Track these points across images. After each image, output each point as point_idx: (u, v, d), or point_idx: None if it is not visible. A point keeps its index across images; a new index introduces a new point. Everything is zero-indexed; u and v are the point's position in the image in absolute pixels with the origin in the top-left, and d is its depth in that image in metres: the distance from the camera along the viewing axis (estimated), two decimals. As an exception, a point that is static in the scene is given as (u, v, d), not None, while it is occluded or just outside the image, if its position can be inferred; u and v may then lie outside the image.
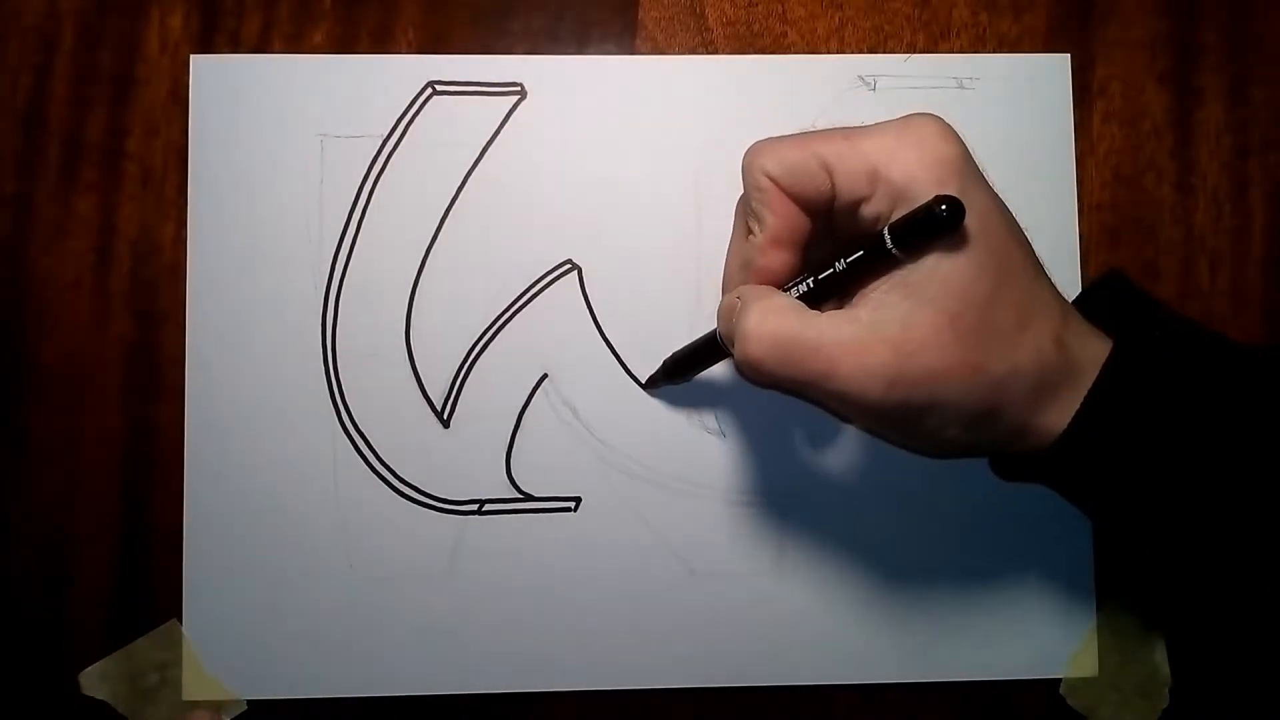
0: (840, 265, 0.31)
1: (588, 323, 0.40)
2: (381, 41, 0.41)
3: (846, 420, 0.32)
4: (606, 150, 0.40)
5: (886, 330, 0.30)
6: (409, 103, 0.40)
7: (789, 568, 0.40)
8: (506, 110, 0.40)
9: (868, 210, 0.31)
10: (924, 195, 0.29)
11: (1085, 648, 0.40)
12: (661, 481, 0.40)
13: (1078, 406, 0.31)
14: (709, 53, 0.41)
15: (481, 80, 0.40)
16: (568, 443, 0.40)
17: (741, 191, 0.34)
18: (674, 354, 0.39)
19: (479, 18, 0.41)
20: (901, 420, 0.31)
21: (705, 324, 0.40)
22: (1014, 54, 0.41)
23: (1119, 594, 0.40)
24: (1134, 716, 0.40)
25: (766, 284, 0.33)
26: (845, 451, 0.40)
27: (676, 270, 0.40)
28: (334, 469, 0.40)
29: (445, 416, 0.40)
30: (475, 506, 0.40)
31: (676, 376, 0.39)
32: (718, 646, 0.40)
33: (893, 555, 0.40)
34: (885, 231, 0.30)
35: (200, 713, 0.39)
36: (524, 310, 0.40)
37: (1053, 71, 0.41)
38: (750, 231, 0.33)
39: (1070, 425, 0.31)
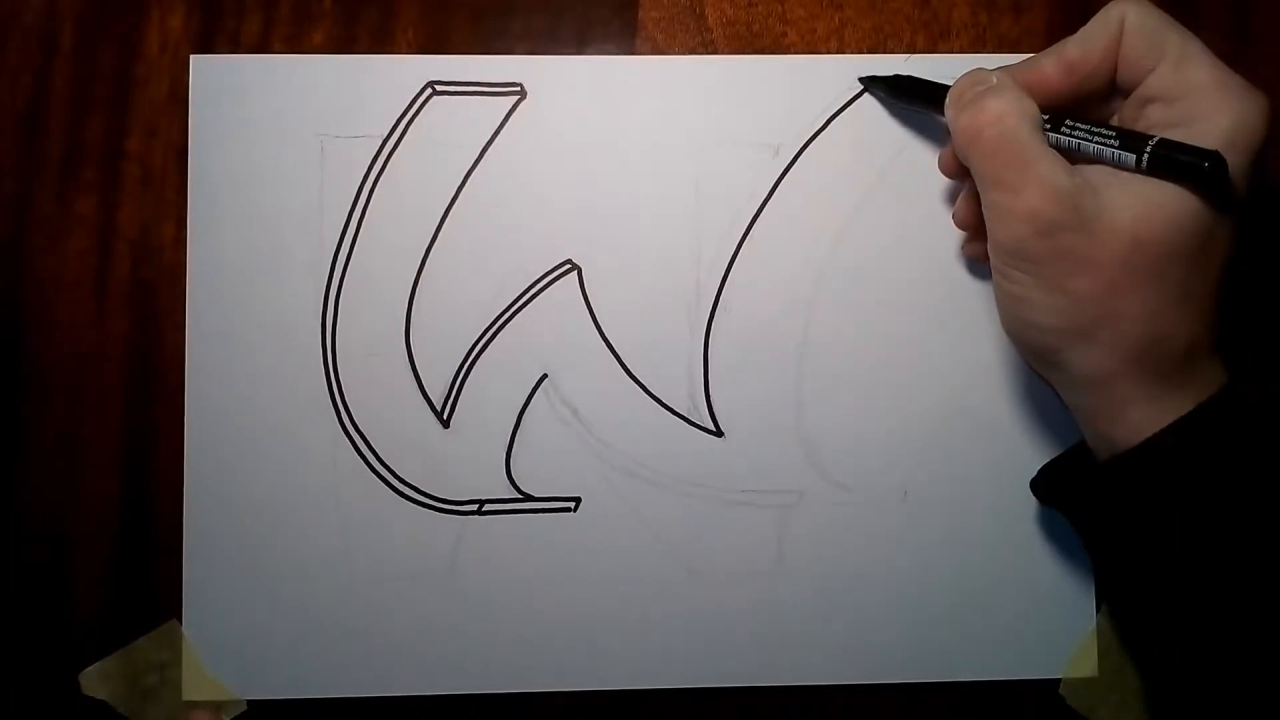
0: (1092, 135, 0.32)
1: (588, 323, 0.40)
2: (381, 41, 0.41)
3: (992, 239, 0.33)
4: (606, 150, 0.40)
5: (1085, 201, 0.31)
6: (409, 103, 0.40)
7: (789, 568, 0.40)
8: (506, 110, 0.40)
9: (1153, 113, 0.32)
10: (1208, 136, 0.30)
11: (1085, 648, 0.40)
12: (661, 481, 0.40)
13: (1172, 419, 0.31)
14: (709, 53, 0.41)
15: (481, 80, 0.41)
16: (568, 443, 0.40)
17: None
18: (909, 76, 0.39)
19: (479, 18, 0.41)
20: (1032, 281, 0.32)
21: (704, 324, 0.40)
22: (1014, 54, 0.41)
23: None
24: (1134, 716, 0.40)
25: (1047, 82, 0.34)
26: (845, 452, 0.40)
27: (676, 270, 0.40)
28: (334, 469, 0.40)
29: (445, 416, 0.40)
30: (475, 506, 0.40)
31: (898, 93, 0.39)
32: (718, 646, 0.40)
33: (893, 555, 0.40)
34: (1152, 139, 0.31)
35: (200, 713, 0.39)
36: (524, 310, 0.40)
37: (1053, 71, 0.41)
38: (1064, 43, 0.34)
39: (1164, 431, 0.31)
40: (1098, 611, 0.40)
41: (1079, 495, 0.34)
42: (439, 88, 0.40)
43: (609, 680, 0.40)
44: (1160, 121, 0.32)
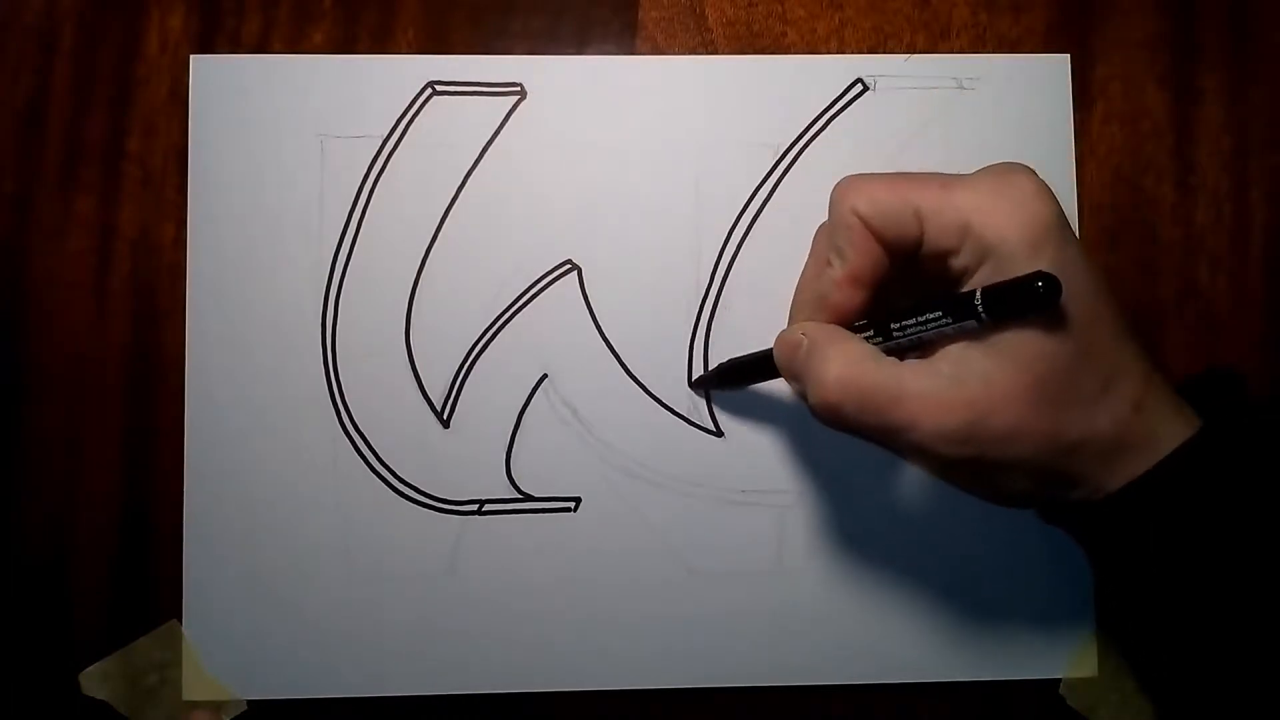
0: (923, 324, 0.31)
1: (588, 323, 0.40)
2: (381, 41, 0.41)
3: (920, 467, 0.33)
4: (606, 150, 0.40)
5: (968, 388, 0.30)
6: (409, 103, 0.40)
7: (789, 568, 0.40)
8: (506, 110, 0.40)
9: (955, 263, 0.31)
10: (1015, 257, 0.29)
11: (1085, 648, 0.40)
12: (661, 481, 0.40)
13: (1142, 471, 0.30)
14: (709, 53, 0.41)
15: (481, 80, 0.41)
16: (568, 443, 0.40)
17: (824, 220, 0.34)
18: (731, 361, 0.39)
19: (479, 18, 0.41)
20: (973, 474, 0.31)
21: (704, 325, 0.40)
22: (1014, 54, 0.41)
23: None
24: (1134, 716, 0.40)
25: (837, 320, 0.33)
26: (846, 452, 0.40)
27: (676, 270, 0.40)
28: (334, 469, 0.40)
29: (445, 416, 0.40)
30: (475, 506, 0.40)
31: (728, 384, 0.39)
32: (718, 646, 0.40)
33: (892, 555, 0.40)
34: (977, 297, 0.29)
35: (200, 714, 0.39)
36: (524, 310, 0.40)
37: (1053, 72, 0.41)
38: (829, 264, 0.33)
39: (1124, 489, 0.30)
40: (1097, 611, 0.40)
41: (1078, 519, 0.34)
42: (439, 88, 0.40)
43: (609, 680, 0.40)
44: (966, 268, 0.31)
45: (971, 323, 0.30)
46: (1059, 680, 0.40)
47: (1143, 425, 0.30)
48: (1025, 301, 0.29)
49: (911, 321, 0.31)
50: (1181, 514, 0.30)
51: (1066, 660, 0.40)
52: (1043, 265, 0.29)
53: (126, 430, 0.40)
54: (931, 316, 0.31)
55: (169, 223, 0.40)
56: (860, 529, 0.40)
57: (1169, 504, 0.30)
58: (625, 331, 0.40)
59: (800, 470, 0.40)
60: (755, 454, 0.40)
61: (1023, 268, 0.29)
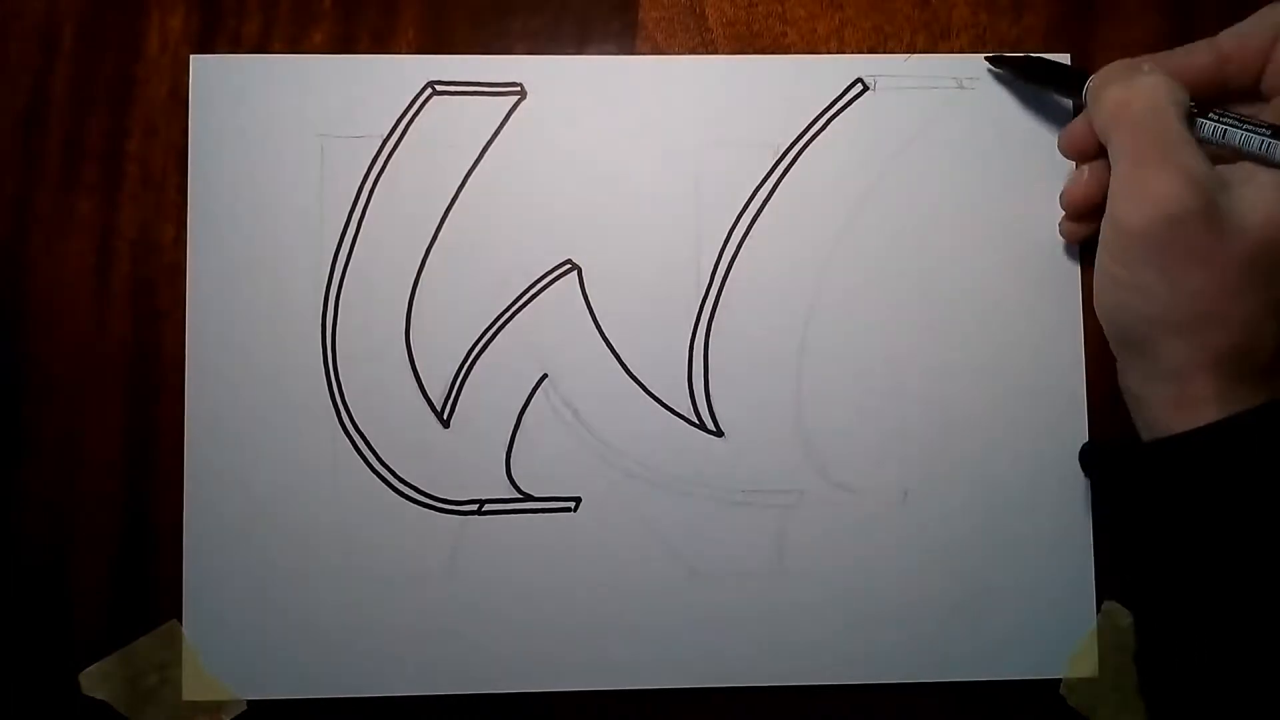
0: (1260, 140, 0.32)
1: (588, 323, 0.40)
2: (381, 41, 0.41)
3: (1111, 224, 0.33)
4: (606, 150, 0.40)
5: (1217, 196, 0.30)
6: (409, 103, 0.40)
7: (789, 568, 0.40)
8: (506, 110, 0.40)
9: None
10: None
11: (1085, 648, 0.40)
12: (661, 481, 0.40)
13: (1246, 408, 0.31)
14: (709, 53, 0.41)
15: (481, 80, 0.41)
16: (568, 443, 0.40)
17: None
18: (1038, 56, 0.39)
19: (479, 18, 0.41)
20: (1147, 276, 0.32)
21: (704, 325, 0.40)
22: (1013, 54, 0.41)
23: (1119, 594, 0.40)
24: (1134, 716, 0.40)
25: (1195, 69, 0.34)
26: (845, 452, 0.40)
27: (676, 270, 0.40)
28: (334, 469, 0.40)
29: (445, 416, 0.40)
30: (475, 506, 0.40)
31: (1024, 74, 0.39)
32: (718, 646, 0.40)
33: (893, 555, 0.40)
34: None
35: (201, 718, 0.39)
36: (524, 310, 0.40)
37: (1053, 71, 0.41)
38: (1212, 41, 0.34)
39: (1216, 424, 0.31)
40: (1098, 611, 0.40)
41: (1122, 471, 0.34)
42: (439, 88, 0.40)
43: (609, 680, 0.40)
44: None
45: (1274, 152, 0.31)
46: (1059, 680, 0.40)
47: (1275, 372, 0.31)
48: None
49: (1235, 116, 0.33)
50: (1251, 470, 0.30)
51: (1066, 660, 0.40)
52: None
53: (126, 430, 0.40)
54: (1256, 122, 0.32)
55: (169, 223, 0.40)
56: (860, 529, 0.40)
57: (1245, 456, 0.30)
58: (625, 331, 0.40)
59: (800, 470, 0.40)
60: (755, 454, 0.40)
61: None
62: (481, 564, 0.40)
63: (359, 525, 0.39)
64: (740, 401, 0.40)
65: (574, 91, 0.41)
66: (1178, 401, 0.32)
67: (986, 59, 0.40)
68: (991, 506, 0.40)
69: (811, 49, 0.41)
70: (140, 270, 0.40)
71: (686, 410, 0.40)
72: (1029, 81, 0.40)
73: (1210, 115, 0.33)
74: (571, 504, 0.40)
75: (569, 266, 0.40)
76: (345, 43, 0.41)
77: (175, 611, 0.39)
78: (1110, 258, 0.33)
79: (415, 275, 0.40)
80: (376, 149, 0.40)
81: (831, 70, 0.41)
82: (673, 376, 0.40)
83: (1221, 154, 0.33)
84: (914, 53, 0.41)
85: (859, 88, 0.41)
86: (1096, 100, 0.34)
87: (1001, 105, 0.41)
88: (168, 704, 0.39)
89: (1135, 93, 0.32)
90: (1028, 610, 0.40)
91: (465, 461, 0.40)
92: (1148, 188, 0.31)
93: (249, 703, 0.39)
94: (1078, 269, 0.40)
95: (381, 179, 0.40)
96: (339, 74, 0.40)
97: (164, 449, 0.40)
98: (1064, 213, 0.39)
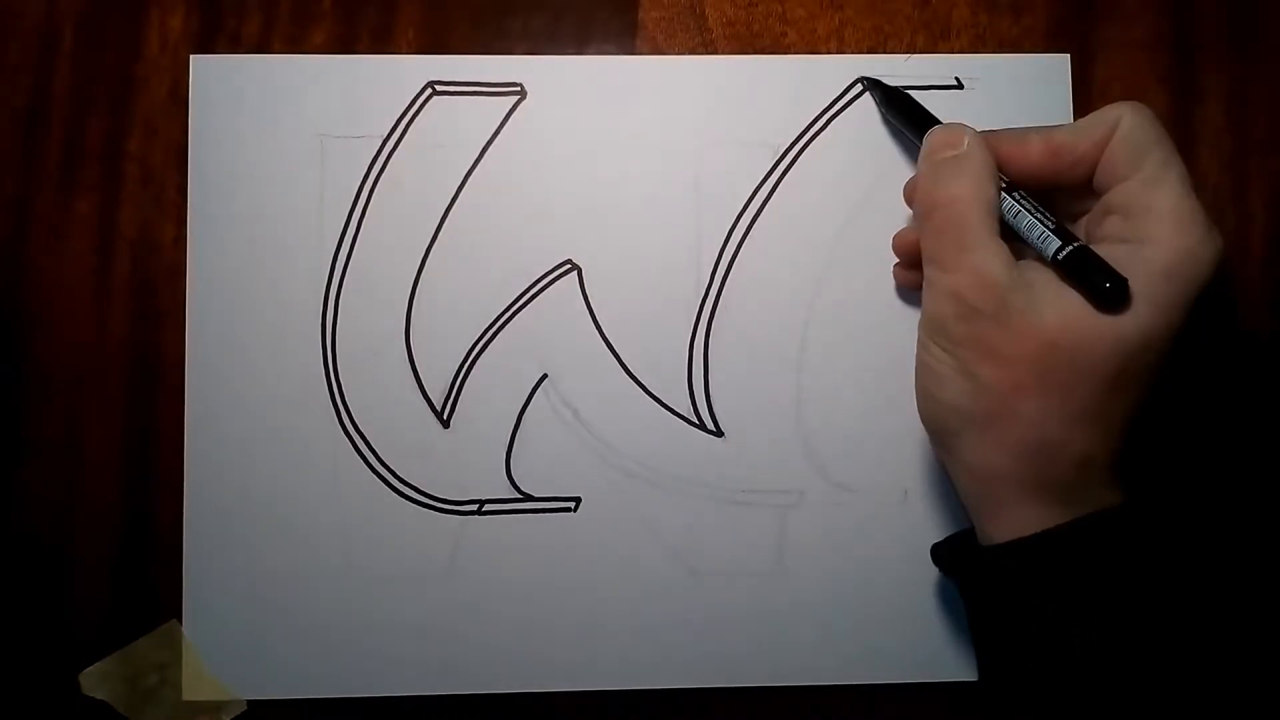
0: (1040, 232, 0.33)
1: (588, 323, 0.40)
2: (381, 41, 0.41)
3: (927, 301, 0.34)
4: (606, 150, 0.40)
5: (1012, 297, 0.31)
6: (409, 103, 0.40)
7: (789, 568, 0.40)
8: (506, 110, 0.40)
9: (1111, 222, 0.33)
10: (1151, 239, 0.31)
11: (1085, 648, 0.40)
12: (661, 481, 0.40)
13: (1053, 524, 0.31)
14: (709, 53, 0.41)
15: (481, 80, 0.41)
16: (568, 443, 0.40)
17: None
18: (909, 96, 0.39)
19: (479, 18, 0.41)
20: (953, 360, 0.32)
21: (704, 325, 0.40)
22: (1014, 54, 0.41)
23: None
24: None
25: (1000, 158, 0.34)
26: (845, 452, 0.40)
27: (676, 270, 0.40)
28: (334, 469, 0.40)
29: (445, 416, 0.40)
30: (475, 506, 0.40)
31: (889, 104, 0.39)
32: (718, 646, 0.40)
33: (893, 555, 0.40)
34: (1069, 248, 0.31)
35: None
36: (524, 310, 0.40)
37: (1053, 71, 0.41)
38: (1044, 131, 0.34)
39: (1027, 539, 0.31)
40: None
41: (965, 573, 0.34)
42: (439, 88, 0.40)
43: (609, 680, 0.40)
44: (1112, 234, 0.32)
45: (1053, 246, 0.32)
46: (1059, 680, 0.40)
47: (1079, 477, 0.31)
48: (1091, 281, 0.30)
49: (1032, 202, 0.33)
50: (1079, 578, 0.31)
51: (1066, 660, 0.40)
52: (1157, 289, 0.30)
53: (126, 430, 0.40)
54: (1045, 215, 0.33)
55: (169, 223, 0.40)
56: (860, 529, 0.40)
57: (1068, 564, 0.31)
58: (625, 331, 0.40)
59: (800, 470, 0.40)
60: (755, 454, 0.40)
61: (1149, 271, 0.30)
62: (481, 564, 0.40)
63: (359, 525, 0.39)
64: (740, 401, 0.40)
65: (574, 91, 0.41)
66: (986, 503, 0.32)
67: (861, 79, 0.40)
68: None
69: (811, 49, 0.41)
70: (140, 270, 0.40)
71: (686, 410, 0.40)
72: (890, 113, 0.39)
73: (1014, 194, 0.33)
74: (571, 504, 0.40)
75: (569, 266, 0.40)
76: (345, 43, 0.41)
77: (175, 611, 0.39)
78: (920, 346, 0.34)
79: (415, 275, 0.40)
80: (376, 149, 0.40)
81: (831, 70, 0.41)
82: (673, 376, 0.40)
83: (1018, 231, 0.33)
84: (914, 53, 0.41)
85: (859, 88, 0.41)
86: (916, 183, 0.35)
87: (1001, 105, 0.41)
88: (168, 704, 0.39)
89: (941, 197, 0.33)
90: (1028, 610, 0.40)
91: (465, 461, 0.40)
92: (941, 284, 0.32)
93: (249, 703, 0.39)
94: (1078, 269, 0.40)
95: (381, 179, 0.40)
96: (339, 74, 0.40)
97: (164, 449, 0.40)
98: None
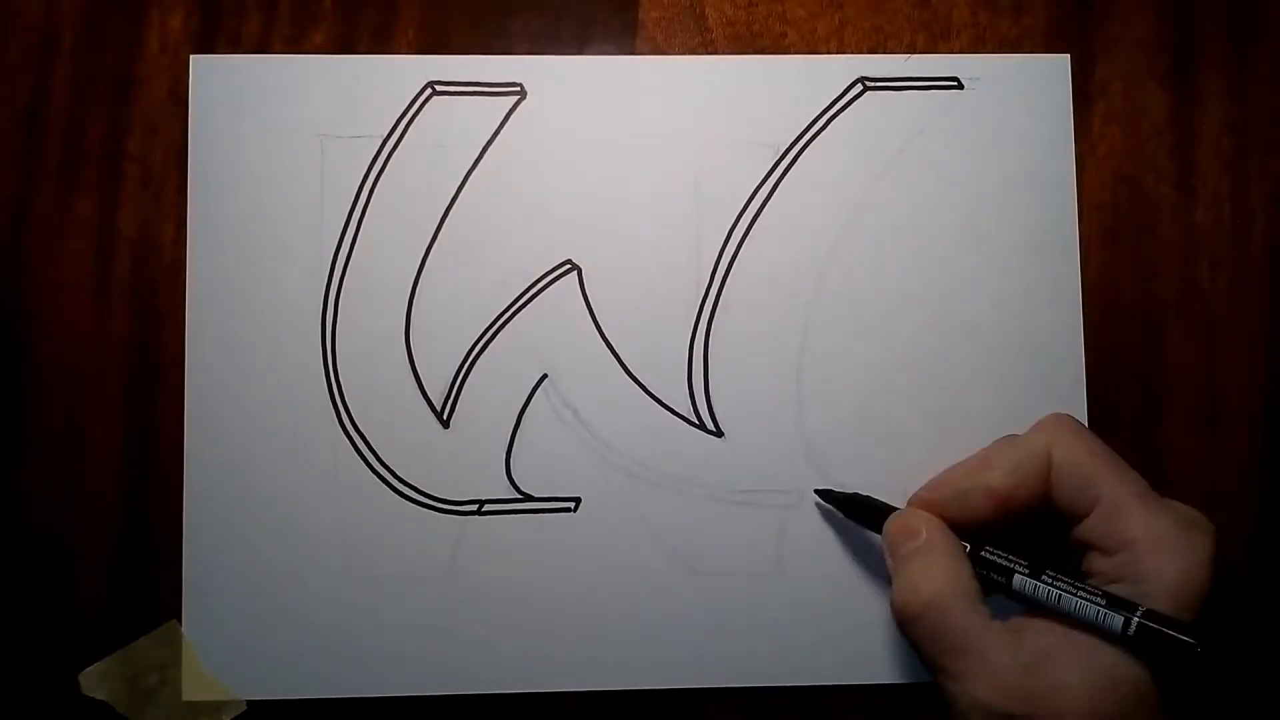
0: (1081, 594, 0.31)
1: (588, 323, 0.40)
2: (381, 41, 0.41)
3: (943, 695, 0.33)
4: (606, 150, 0.40)
5: (1036, 684, 0.30)
6: (409, 103, 0.40)
7: (789, 568, 0.40)
8: (506, 110, 0.40)
9: (1083, 532, 0.32)
10: (1159, 596, 0.30)
11: (1085, 648, 0.40)
12: (661, 481, 0.40)
13: None
14: (709, 53, 0.41)
15: (481, 80, 0.41)
16: (568, 443, 0.40)
17: None
18: (860, 497, 0.38)
19: (479, 18, 0.41)
20: None
21: (704, 325, 0.40)
22: (1014, 54, 0.41)
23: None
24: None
25: (961, 516, 0.33)
26: (845, 452, 0.40)
27: (676, 270, 0.40)
28: (334, 469, 0.40)
29: (445, 416, 0.40)
30: (475, 506, 0.40)
31: (851, 514, 0.39)
32: (718, 646, 0.40)
33: (893, 555, 0.40)
34: (1136, 620, 0.30)
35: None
36: (524, 310, 0.40)
37: (1053, 71, 0.41)
38: (991, 469, 0.34)
39: None
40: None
41: None
42: (439, 88, 0.40)
43: (609, 680, 0.39)
44: (1103, 572, 0.32)
45: (1118, 621, 0.30)
46: (1059, 680, 0.40)
47: None
48: (1172, 646, 0.29)
49: (1068, 581, 0.32)
50: None
51: (1066, 660, 0.40)
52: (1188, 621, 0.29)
53: (126, 430, 0.40)
54: (1090, 591, 0.31)
55: (169, 223, 0.40)
56: (860, 529, 0.40)
57: None
58: (625, 331, 0.40)
59: (800, 470, 0.40)
60: (755, 454, 0.40)
61: (1161, 606, 0.30)
62: (481, 564, 0.40)
63: (359, 525, 0.39)
64: (740, 401, 0.40)
65: (574, 91, 0.41)
66: None
67: (817, 491, 0.39)
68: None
69: (811, 49, 0.41)
70: (140, 270, 0.40)
71: (686, 410, 0.40)
72: (847, 514, 0.39)
73: (1043, 578, 0.32)
74: (571, 504, 0.40)
75: (569, 266, 0.40)
76: (345, 43, 0.41)
77: (175, 611, 0.39)
78: None
79: (415, 275, 0.40)
80: (376, 149, 0.40)
81: (831, 70, 0.41)
82: (673, 376, 0.40)
83: (1058, 610, 0.32)
84: (914, 53, 0.41)
85: (859, 88, 0.41)
86: (892, 592, 0.34)
87: (1001, 105, 0.41)
88: (168, 704, 0.39)
89: (919, 603, 0.32)
90: (1028, 610, 0.40)
91: (465, 461, 0.40)
92: (961, 697, 0.31)
93: (249, 703, 0.39)
94: (1077, 269, 0.40)
95: (381, 179, 0.40)
96: (339, 74, 0.40)
97: (164, 449, 0.40)
98: None
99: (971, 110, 0.41)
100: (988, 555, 0.33)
